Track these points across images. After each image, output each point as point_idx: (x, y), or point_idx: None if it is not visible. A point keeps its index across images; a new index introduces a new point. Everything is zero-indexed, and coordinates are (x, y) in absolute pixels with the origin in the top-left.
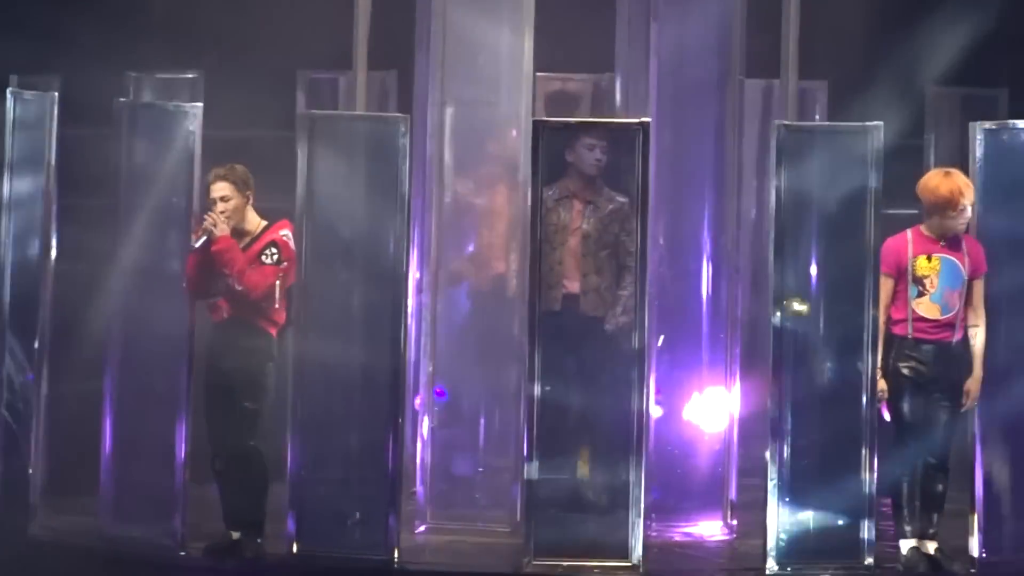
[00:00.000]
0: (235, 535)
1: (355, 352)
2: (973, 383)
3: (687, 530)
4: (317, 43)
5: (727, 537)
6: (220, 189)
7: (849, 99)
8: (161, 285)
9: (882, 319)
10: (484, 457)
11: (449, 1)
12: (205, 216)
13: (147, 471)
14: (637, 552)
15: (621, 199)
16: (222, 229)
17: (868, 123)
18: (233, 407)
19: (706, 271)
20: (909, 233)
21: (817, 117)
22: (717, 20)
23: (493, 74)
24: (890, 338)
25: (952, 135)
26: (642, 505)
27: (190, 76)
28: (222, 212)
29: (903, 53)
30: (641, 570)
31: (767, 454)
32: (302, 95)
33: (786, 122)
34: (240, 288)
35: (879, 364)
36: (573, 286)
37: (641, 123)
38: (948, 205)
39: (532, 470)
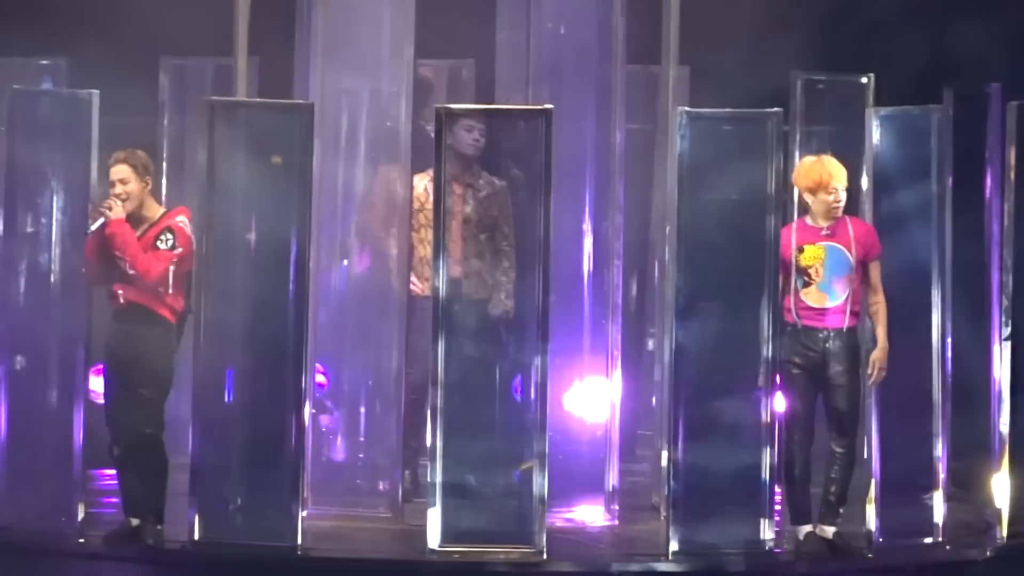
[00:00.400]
0: (134, 522)
1: (258, 339)
2: (878, 352)
3: (568, 516)
4: (180, 28)
5: (610, 523)
6: (119, 172)
7: (713, 86)
8: (57, 273)
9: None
10: (365, 443)
11: None
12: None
13: (43, 459)
14: (542, 539)
15: (499, 182)
16: (117, 212)
17: (768, 110)
18: (131, 394)
19: (587, 257)
20: (794, 224)
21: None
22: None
23: (374, 59)
24: (782, 327)
25: (819, 122)
26: (545, 491)
27: (51, 62)
28: (119, 195)
29: (767, 39)
30: (545, 556)
31: (662, 436)
32: (166, 81)
33: (687, 108)
34: (133, 272)
35: None
36: (455, 270)
37: (544, 110)
38: (818, 187)
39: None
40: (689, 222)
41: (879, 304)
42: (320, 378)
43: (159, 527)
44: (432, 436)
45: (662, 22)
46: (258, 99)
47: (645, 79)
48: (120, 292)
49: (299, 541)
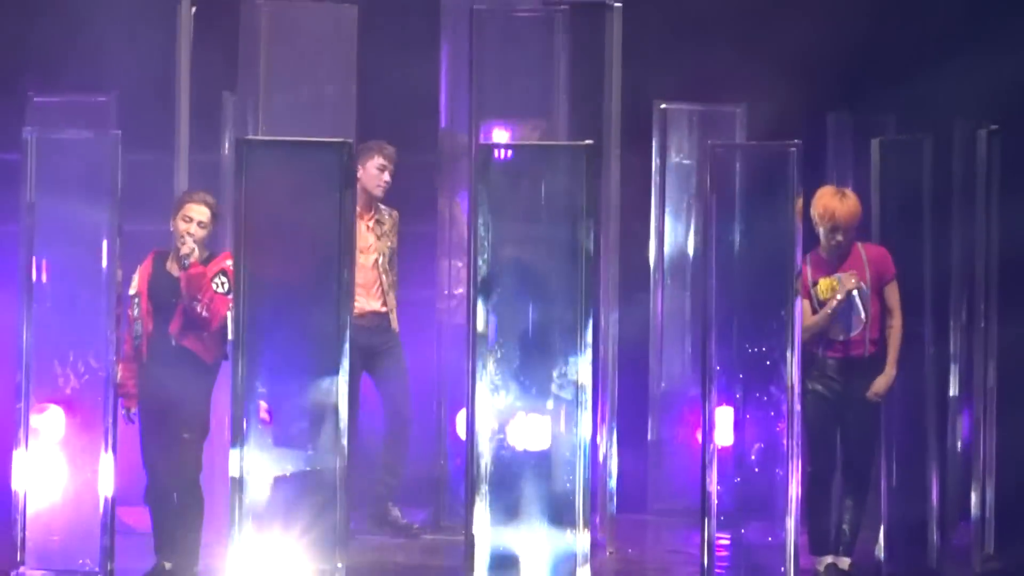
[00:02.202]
0: (168, 565)
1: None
2: (881, 378)
3: None
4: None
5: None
6: (201, 213)
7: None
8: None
9: (801, 339)
10: None
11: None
12: (181, 238)
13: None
14: None
15: (392, 212)
16: (196, 254)
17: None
18: (172, 437)
19: None
20: (808, 257)
21: None
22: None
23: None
24: (807, 357)
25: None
26: None
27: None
28: (192, 235)
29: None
30: None
31: None
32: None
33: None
34: (205, 316)
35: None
36: (379, 306)
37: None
38: (825, 218)
39: None
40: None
41: (894, 328)
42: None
43: (195, 569)
44: None
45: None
46: (292, 138)
47: None
48: (174, 335)
49: None
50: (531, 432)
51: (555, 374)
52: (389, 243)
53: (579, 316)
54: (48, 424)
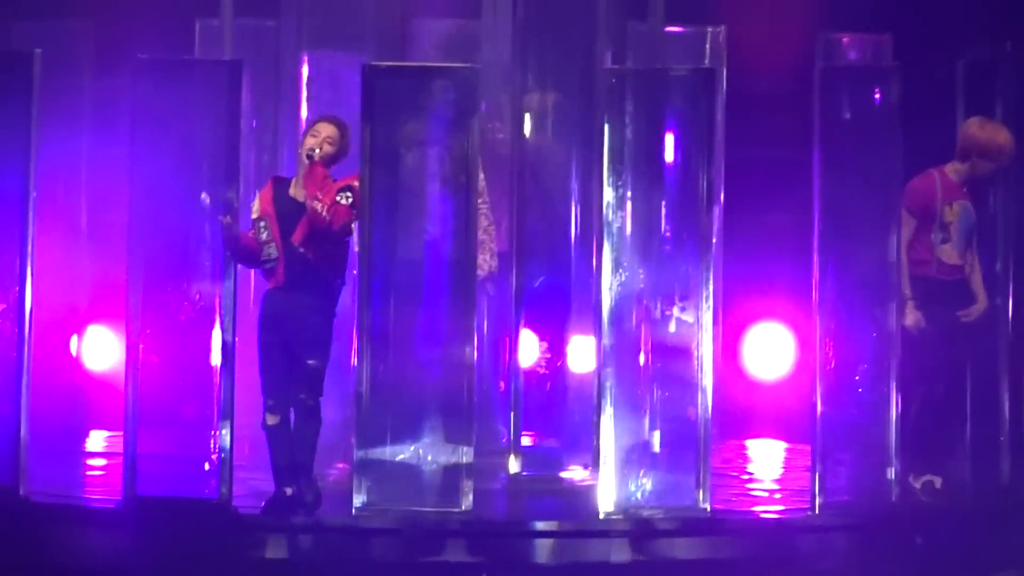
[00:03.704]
0: (289, 491)
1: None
2: (978, 307)
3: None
4: None
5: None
6: (328, 130)
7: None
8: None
9: (901, 252)
10: None
11: None
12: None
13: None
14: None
15: None
16: (325, 151)
17: None
18: (298, 364)
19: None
20: (937, 176)
21: None
22: None
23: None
24: (914, 278)
25: None
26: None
27: None
28: (321, 148)
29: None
30: None
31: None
32: None
33: None
34: (326, 217)
35: (906, 293)
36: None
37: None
38: (1001, 153)
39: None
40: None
41: (975, 259)
42: None
43: (318, 486)
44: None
45: None
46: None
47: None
48: (297, 244)
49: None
50: None
51: None
52: None
53: None
54: None
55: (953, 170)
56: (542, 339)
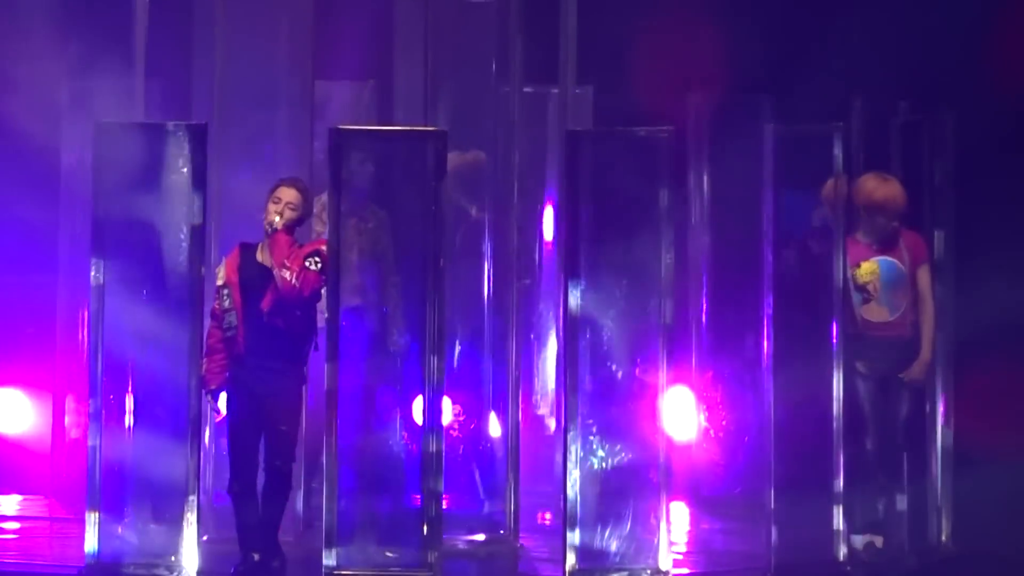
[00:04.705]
0: (256, 557)
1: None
2: (917, 365)
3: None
4: None
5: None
6: (289, 195)
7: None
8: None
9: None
10: None
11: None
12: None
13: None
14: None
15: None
16: (288, 217)
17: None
18: (270, 430)
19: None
20: (848, 244)
21: None
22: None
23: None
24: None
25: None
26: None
27: None
28: (282, 214)
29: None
30: None
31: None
32: None
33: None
34: (295, 284)
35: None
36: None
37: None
38: (884, 209)
39: None
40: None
41: (926, 313)
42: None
43: (283, 554)
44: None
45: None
46: (385, 126)
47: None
48: (265, 312)
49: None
50: None
51: None
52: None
53: None
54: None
55: (860, 232)
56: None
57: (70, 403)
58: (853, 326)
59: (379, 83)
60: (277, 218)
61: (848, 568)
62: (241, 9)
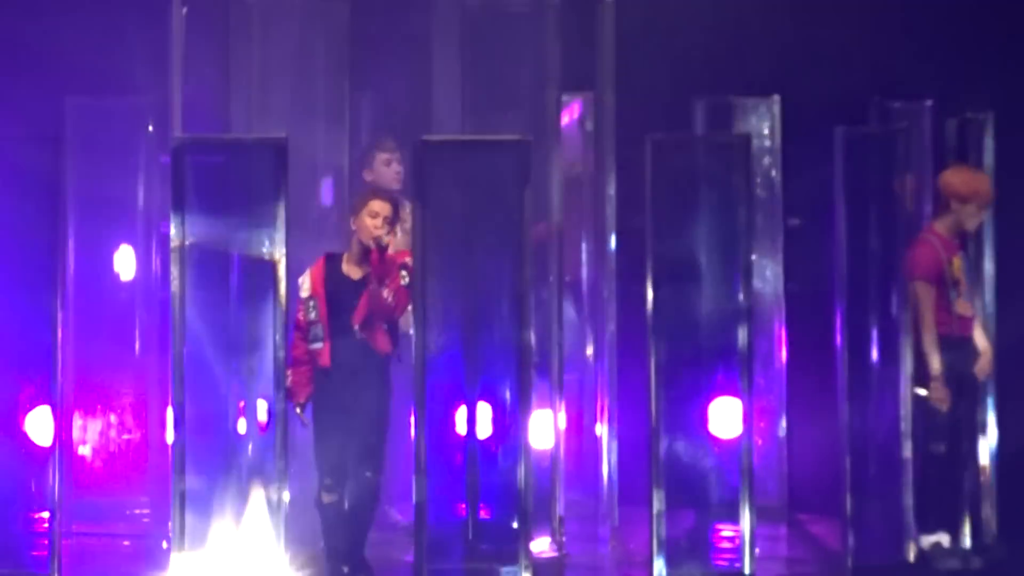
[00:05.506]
0: (346, 570)
1: None
2: (986, 359)
3: None
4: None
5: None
6: (386, 209)
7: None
8: None
9: (926, 324)
10: None
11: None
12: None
13: None
14: None
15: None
16: (389, 237)
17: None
18: (358, 441)
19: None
20: (932, 238)
21: None
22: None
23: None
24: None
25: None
26: None
27: None
28: (387, 230)
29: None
30: None
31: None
32: None
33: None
34: (390, 303)
35: (936, 368)
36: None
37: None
38: (981, 201)
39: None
40: None
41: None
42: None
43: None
44: None
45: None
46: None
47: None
48: (357, 327)
49: None
50: None
51: None
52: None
53: None
54: None
55: (943, 226)
56: None
57: (77, 419)
58: (947, 324)
59: (415, 94)
60: (384, 236)
61: (923, 569)
62: (276, 22)
